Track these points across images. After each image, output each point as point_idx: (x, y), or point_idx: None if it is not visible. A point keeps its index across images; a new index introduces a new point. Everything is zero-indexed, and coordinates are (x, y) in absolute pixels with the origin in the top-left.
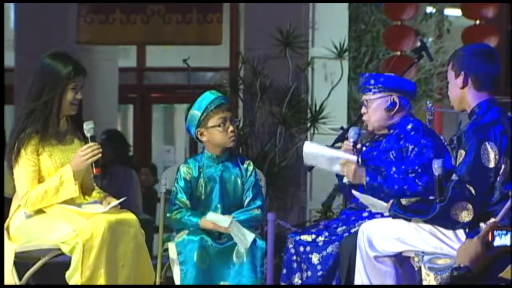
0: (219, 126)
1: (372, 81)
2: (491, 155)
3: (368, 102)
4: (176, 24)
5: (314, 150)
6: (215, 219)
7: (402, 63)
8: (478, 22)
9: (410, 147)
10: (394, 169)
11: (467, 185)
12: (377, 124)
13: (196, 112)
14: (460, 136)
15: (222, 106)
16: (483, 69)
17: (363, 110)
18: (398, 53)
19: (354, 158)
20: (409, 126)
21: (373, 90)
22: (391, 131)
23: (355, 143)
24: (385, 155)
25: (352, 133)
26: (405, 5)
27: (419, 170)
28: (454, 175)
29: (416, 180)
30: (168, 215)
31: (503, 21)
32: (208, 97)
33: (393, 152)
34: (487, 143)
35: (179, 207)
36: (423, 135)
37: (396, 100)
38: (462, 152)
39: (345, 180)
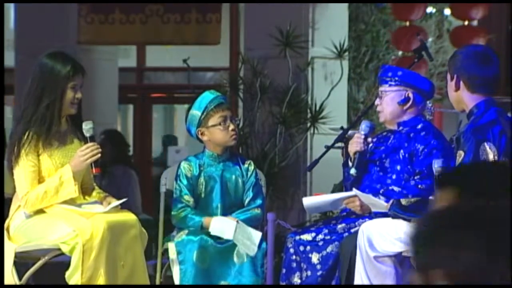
0: (219, 124)
1: (390, 74)
2: (490, 156)
3: (383, 93)
4: (175, 24)
5: (313, 201)
6: (220, 231)
7: (402, 63)
8: (476, 22)
9: (420, 148)
10: (398, 167)
11: None
12: (389, 117)
13: (196, 112)
14: (459, 136)
15: (222, 105)
16: (476, 71)
17: (377, 101)
18: (399, 53)
19: (353, 193)
20: (419, 126)
21: (389, 82)
22: (401, 128)
23: (366, 136)
24: (394, 153)
25: (363, 126)
26: (413, 6)
27: (425, 171)
28: None
29: (419, 185)
30: (173, 213)
31: (503, 21)
32: (207, 96)
33: (402, 152)
34: (485, 143)
35: (185, 205)
36: (433, 136)
37: (410, 95)
38: (461, 153)
39: (352, 171)
